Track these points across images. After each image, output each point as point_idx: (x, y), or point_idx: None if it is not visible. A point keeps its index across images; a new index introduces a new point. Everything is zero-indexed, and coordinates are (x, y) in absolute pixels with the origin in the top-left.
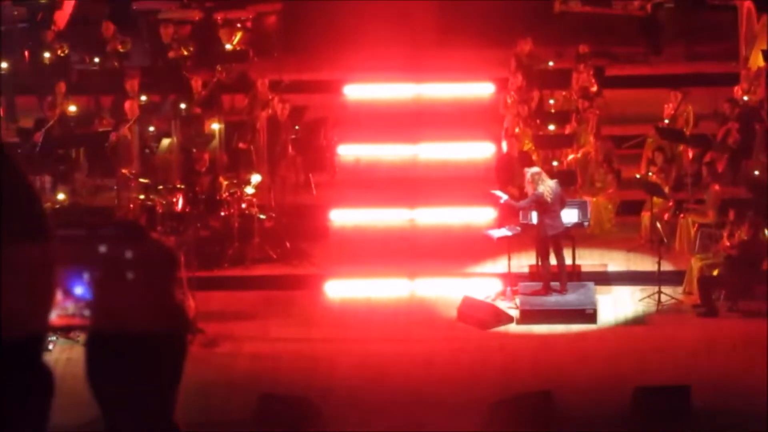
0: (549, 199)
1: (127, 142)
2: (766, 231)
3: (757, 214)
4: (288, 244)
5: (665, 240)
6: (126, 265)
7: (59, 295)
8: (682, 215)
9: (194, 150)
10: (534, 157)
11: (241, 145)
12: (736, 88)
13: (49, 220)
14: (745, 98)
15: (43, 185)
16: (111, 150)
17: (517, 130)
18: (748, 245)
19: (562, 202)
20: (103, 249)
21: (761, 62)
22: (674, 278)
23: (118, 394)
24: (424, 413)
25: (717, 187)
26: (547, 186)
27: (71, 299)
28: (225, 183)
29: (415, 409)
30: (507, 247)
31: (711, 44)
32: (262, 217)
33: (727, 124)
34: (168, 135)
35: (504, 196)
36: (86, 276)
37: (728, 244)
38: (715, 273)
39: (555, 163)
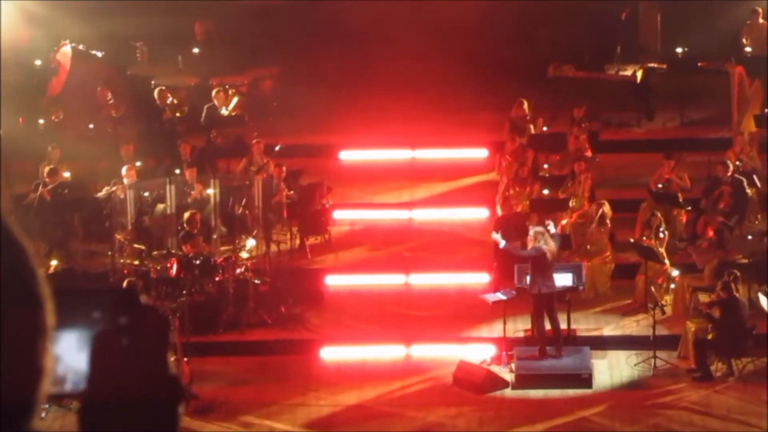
0: (548, 258)
1: (122, 207)
2: (744, 290)
3: (751, 278)
4: (283, 309)
5: (660, 304)
6: (119, 332)
7: (52, 362)
8: (676, 279)
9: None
10: (527, 221)
11: (236, 209)
12: (729, 152)
13: (44, 287)
14: (738, 162)
15: (37, 250)
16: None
17: (511, 192)
18: (727, 305)
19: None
20: (96, 315)
21: (753, 127)
22: (669, 342)
23: None
24: None
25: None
26: (550, 245)
27: (64, 366)
28: (221, 248)
29: None
30: (502, 311)
31: (703, 109)
32: (257, 281)
33: (720, 187)
34: (163, 200)
35: (503, 242)
36: (79, 342)
37: (709, 302)
38: (709, 336)
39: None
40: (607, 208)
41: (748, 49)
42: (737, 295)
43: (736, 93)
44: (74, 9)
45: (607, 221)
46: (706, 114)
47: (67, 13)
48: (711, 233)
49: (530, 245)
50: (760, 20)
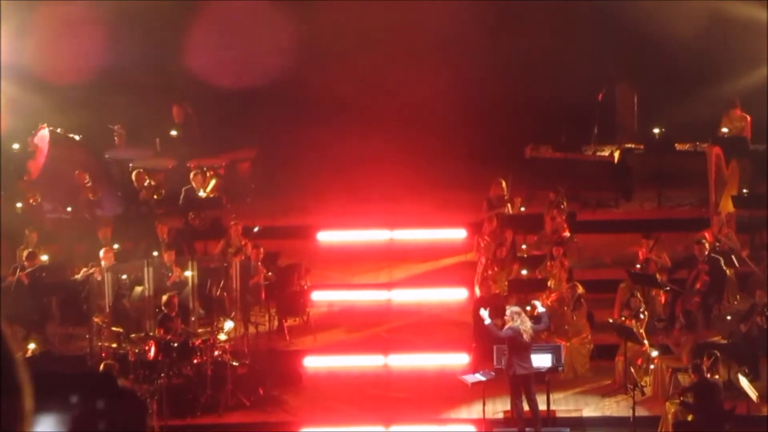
0: (525, 338)
1: (100, 290)
2: (724, 371)
3: (730, 358)
4: (261, 391)
5: (639, 385)
6: (97, 416)
7: None
8: (656, 360)
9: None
10: (507, 302)
11: (214, 291)
12: (706, 233)
13: (22, 372)
14: (717, 243)
15: (15, 334)
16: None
17: (490, 273)
18: (700, 389)
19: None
20: (74, 399)
21: (731, 207)
22: (649, 423)
23: None
24: None
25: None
26: (526, 325)
27: None
28: (198, 330)
29: None
30: (481, 392)
31: (681, 189)
32: (235, 363)
33: (697, 266)
34: (140, 282)
35: (488, 319)
36: (57, 426)
37: (682, 388)
38: (689, 418)
39: (528, 308)
40: (580, 289)
41: (724, 129)
42: (709, 377)
43: (713, 173)
44: (52, 94)
45: (582, 302)
46: (683, 194)
47: (45, 97)
48: (680, 315)
49: (507, 325)
50: (738, 112)
